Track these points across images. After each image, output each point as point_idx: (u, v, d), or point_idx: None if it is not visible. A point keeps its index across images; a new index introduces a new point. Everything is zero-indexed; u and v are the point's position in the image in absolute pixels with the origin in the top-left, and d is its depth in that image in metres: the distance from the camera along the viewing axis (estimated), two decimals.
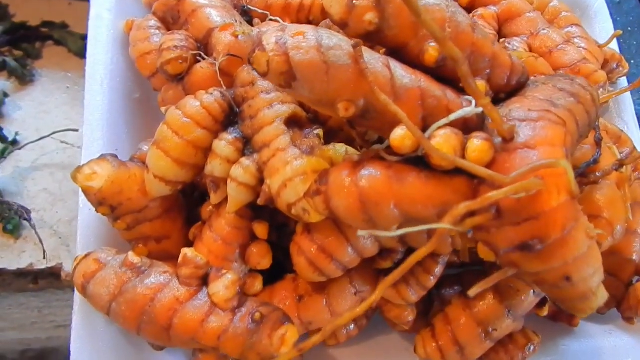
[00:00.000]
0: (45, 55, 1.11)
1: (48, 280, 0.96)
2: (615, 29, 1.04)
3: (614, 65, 0.94)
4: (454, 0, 0.87)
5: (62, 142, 0.99)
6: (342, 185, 0.52)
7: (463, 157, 0.49)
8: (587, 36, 0.90)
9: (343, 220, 0.55)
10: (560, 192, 0.47)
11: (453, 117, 0.50)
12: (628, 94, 0.98)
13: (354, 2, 0.52)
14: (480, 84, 0.54)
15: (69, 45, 1.09)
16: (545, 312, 0.73)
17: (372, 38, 0.55)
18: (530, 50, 0.83)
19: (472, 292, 0.50)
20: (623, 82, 0.98)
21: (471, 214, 0.48)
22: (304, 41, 0.48)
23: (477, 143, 0.49)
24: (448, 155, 0.47)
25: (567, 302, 0.52)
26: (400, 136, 0.49)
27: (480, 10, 0.86)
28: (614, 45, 0.97)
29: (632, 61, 1.21)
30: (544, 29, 0.85)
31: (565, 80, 0.57)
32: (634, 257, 0.78)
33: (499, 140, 0.50)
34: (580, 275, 0.49)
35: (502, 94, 0.59)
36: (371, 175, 0.51)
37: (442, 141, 0.49)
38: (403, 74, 0.52)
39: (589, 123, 0.56)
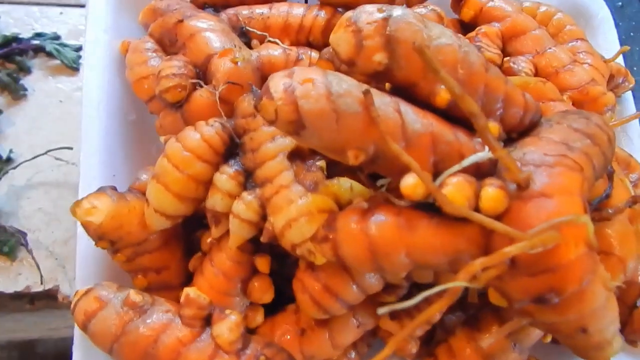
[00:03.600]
0: (37, 67, 1.08)
1: (44, 301, 0.94)
2: (618, 34, 1.02)
3: (620, 80, 0.92)
4: (457, 21, 0.88)
5: (57, 158, 0.97)
6: (351, 234, 0.51)
7: (477, 204, 0.48)
8: (592, 51, 0.89)
9: (351, 267, 0.54)
10: (578, 244, 0.45)
11: (465, 163, 0.49)
12: (632, 105, 0.97)
13: (363, 42, 0.51)
14: (494, 127, 0.53)
15: (61, 58, 1.07)
16: (549, 338, 0.72)
17: (380, 77, 0.53)
18: (536, 70, 0.81)
19: (484, 343, 0.49)
20: (628, 95, 0.97)
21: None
22: (313, 89, 0.47)
23: (491, 191, 0.47)
24: (461, 208, 0.45)
25: (581, 350, 0.51)
26: (412, 185, 0.47)
27: (484, 28, 0.84)
28: (619, 59, 0.96)
29: (635, 68, 1.20)
30: (550, 48, 0.83)
31: (581, 119, 0.55)
32: (639, 280, 0.77)
33: (513, 186, 0.48)
34: (597, 327, 0.48)
35: (515, 133, 0.57)
36: (381, 223, 0.50)
37: (454, 190, 0.47)
38: (414, 118, 0.50)
39: (605, 165, 0.54)
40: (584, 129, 0.53)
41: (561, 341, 0.52)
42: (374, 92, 0.49)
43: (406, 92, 0.54)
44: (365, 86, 0.48)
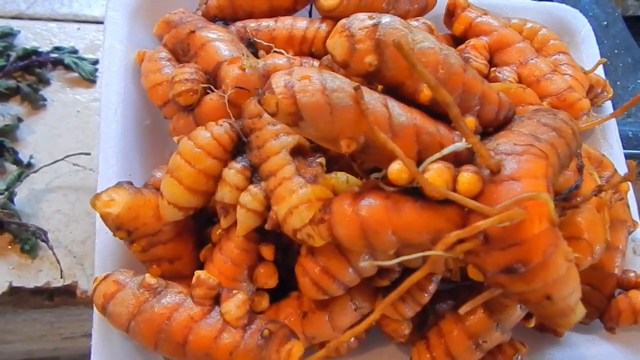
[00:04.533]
0: (55, 79, 1.15)
1: (63, 297, 1.00)
2: (602, 51, 1.09)
3: (599, 90, 0.99)
4: (450, 36, 0.95)
5: (75, 164, 1.03)
6: (344, 215, 0.57)
7: (454, 188, 0.54)
8: (573, 63, 0.96)
9: (345, 246, 0.60)
10: (541, 220, 0.52)
11: (445, 151, 0.55)
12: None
13: (355, 46, 0.58)
14: (470, 121, 0.59)
15: (79, 70, 1.14)
16: (532, 323, 0.78)
17: (372, 77, 0.60)
18: (520, 79, 0.88)
19: (462, 310, 0.56)
20: (608, 105, 1.03)
21: (462, 240, 0.53)
22: (310, 84, 0.53)
23: (467, 176, 0.54)
24: (439, 189, 0.52)
25: (548, 318, 0.57)
26: (397, 170, 0.54)
27: (472, 41, 0.91)
28: (600, 71, 1.03)
29: (618, 82, 1.26)
30: (532, 59, 0.90)
31: (549, 115, 0.62)
32: (616, 272, 0.83)
33: (487, 172, 0.55)
34: (560, 294, 0.54)
35: (491, 127, 0.64)
36: (371, 205, 0.57)
37: (434, 174, 0.54)
38: (400, 112, 0.57)
39: (569, 154, 0.61)
40: (551, 123, 0.60)
41: (531, 310, 0.58)
42: (364, 89, 0.56)
43: (395, 91, 0.61)
44: (356, 83, 0.55)
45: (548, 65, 0.90)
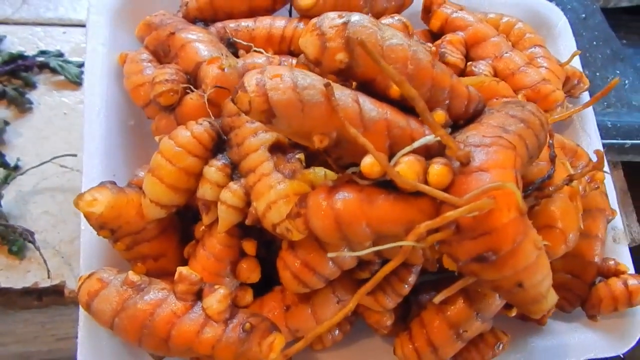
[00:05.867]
0: (42, 83, 1.16)
1: (52, 297, 1.01)
2: (581, 44, 1.11)
3: (576, 82, 1.01)
4: (428, 31, 0.97)
5: (62, 166, 1.05)
6: (319, 208, 0.59)
7: (425, 180, 0.56)
8: (549, 56, 0.97)
9: (321, 239, 0.61)
10: (510, 209, 0.53)
11: (416, 145, 0.57)
12: (590, 107, 1.05)
13: (326, 44, 0.59)
14: (440, 114, 0.61)
15: (65, 73, 1.15)
16: (513, 312, 0.79)
17: (343, 74, 0.62)
18: (495, 72, 0.90)
19: (436, 299, 0.57)
20: (586, 96, 1.05)
21: (435, 230, 0.54)
22: (281, 82, 0.55)
23: (437, 168, 0.55)
24: (409, 181, 0.53)
25: (521, 305, 0.59)
26: (369, 164, 0.55)
27: (449, 36, 0.93)
28: (576, 62, 1.04)
29: (598, 74, 1.28)
30: (507, 52, 0.91)
31: (517, 107, 0.63)
32: (596, 260, 0.85)
33: (457, 164, 0.56)
34: (531, 281, 0.56)
35: (462, 120, 0.65)
36: (345, 198, 0.58)
37: (405, 167, 0.55)
38: (371, 107, 0.58)
39: (538, 145, 0.62)
40: (519, 115, 0.62)
41: (504, 298, 0.60)
42: (335, 86, 0.58)
43: (367, 87, 0.62)
44: (326, 80, 0.56)
45: (523, 58, 0.91)
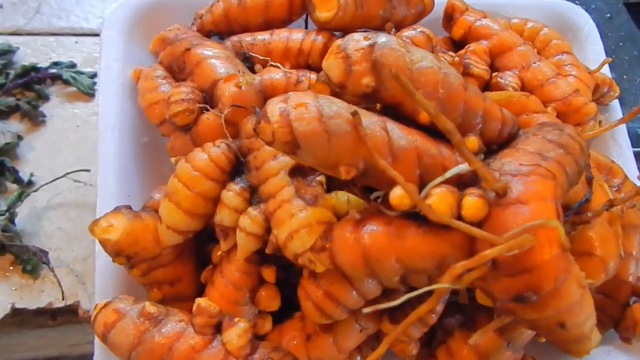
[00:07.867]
0: (55, 94, 1.14)
1: (66, 316, 0.99)
2: (607, 45, 1.07)
3: (605, 90, 0.97)
4: (449, 38, 0.93)
5: (75, 180, 1.02)
6: (345, 242, 0.55)
7: (459, 213, 0.52)
8: (577, 63, 0.93)
9: (347, 273, 0.58)
10: (551, 245, 0.50)
11: (448, 175, 0.54)
12: (619, 113, 1.01)
13: (352, 67, 0.56)
14: (473, 140, 0.57)
15: (77, 85, 1.13)
16: (544, 338, 0.76)
17: (369, 98, 0.58)
18: (522, 83, 0.86)
19: (471, 340, 0.54)
20: (615, 103, 1.01)
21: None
22: (306, 112, 0.52)
23: (471, 200, 0.52)
24: (443, 216, 0.50)
25: (562, 345, 0.55)
26: (399, 196, 0.52)
27: (472, 46, 0.89)
28: (605, 68, 1.00)
29: (625, 76, 1.24)
30: (535, 62, 0.87)
31: (555, 130, 0.60)
32: (630, 279, 0.81)
33: (493, 195, 0.53)
34: (574, 321, 0.52)
35: (495, 145, 0.62)
36: (373, 232, 0.55)
37: (437, 200, 0.52)
38: (400, 135, 0.55)
39: (578, 171, 0.59)
40: (557, 140, 0.58)
41: (544, 337, 0.57)
42: (362, 112, 0.54)
43: (394, 110, 0.59)
44: (353, 107, 0.53)
45: (551, 68, 0.88)
